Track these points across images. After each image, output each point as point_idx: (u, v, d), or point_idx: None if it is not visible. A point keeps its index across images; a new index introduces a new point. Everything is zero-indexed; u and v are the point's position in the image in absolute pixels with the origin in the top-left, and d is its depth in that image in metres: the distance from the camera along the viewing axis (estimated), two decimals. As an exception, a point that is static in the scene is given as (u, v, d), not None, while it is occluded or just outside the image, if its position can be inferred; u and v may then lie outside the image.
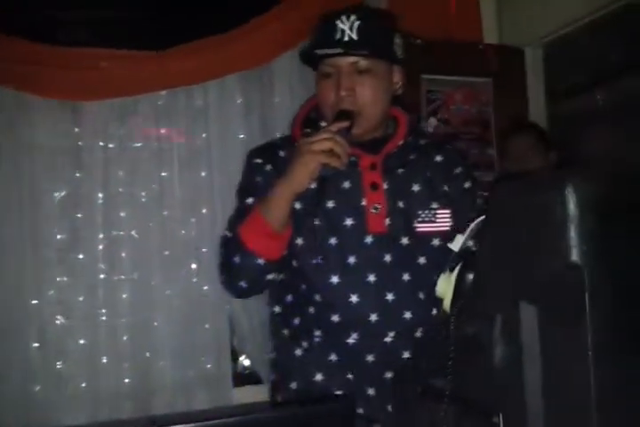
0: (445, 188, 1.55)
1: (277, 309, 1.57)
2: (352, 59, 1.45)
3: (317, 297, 1.46)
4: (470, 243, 0.90)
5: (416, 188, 1.52)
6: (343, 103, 1.45)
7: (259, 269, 1.43)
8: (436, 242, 1.50)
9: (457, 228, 1.51)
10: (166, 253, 2.24)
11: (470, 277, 0.86)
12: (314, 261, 1.46)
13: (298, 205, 1.46)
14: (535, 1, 2.73)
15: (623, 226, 0.70)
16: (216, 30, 2.22)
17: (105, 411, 2.14)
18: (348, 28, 1.44)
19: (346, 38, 1.44)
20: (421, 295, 1.48)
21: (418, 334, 1.46)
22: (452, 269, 0.92)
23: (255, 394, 2.22)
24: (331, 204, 1.47)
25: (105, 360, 2.15)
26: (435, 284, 1.49)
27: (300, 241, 1.48)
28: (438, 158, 1.57)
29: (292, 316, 1.52)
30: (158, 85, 2.21)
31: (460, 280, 0.89)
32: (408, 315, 1.46)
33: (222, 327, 2.30)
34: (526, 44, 2.88)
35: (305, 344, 1.49)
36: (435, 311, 1.50)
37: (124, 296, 2.20)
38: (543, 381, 0.72)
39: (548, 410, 0.71)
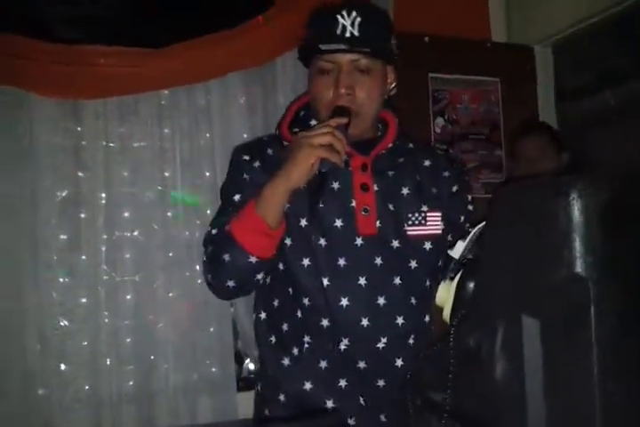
0: (434, 190, 1.51)
1: (263, 315, 1.50)
2: (353, 56, 1.41)
3: (306, 300, 1.41)
4: (471, 250, 0.87)
5: (405, 191, 1.48)
6: (341, 100, 1.40)
7: (250, 268, 1.37)
8: (427, 246, 1.47)
9: (447, 231, 1.49)
10: (170, 254, 2.22)
11: (471, 285, 0.83)
12: (303, 263, 1.41)
13: (287, 204, 1.40)
14: (544, -1, 2.70)
15: (631, 236, 0.66)
16: (218, 27, 2.19)
17: (108, 413, 2.12)
18: (349, 24, 1.39)
19: (347, 34, 1.39)
20: (413, 300, 1.44)
21: (410, 340, 1.43)
22: (452, 278, 0.89)
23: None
24: (320, 203, 1.42)
25: (108, 362, 2.13)
26: (426, 288, 1.48)
27: (288, 241, 1.43)
28: (427, 163, 1.54)
29: (279, 321, 1.46)
30: (159, 84, 2.18)
31: (460, 289, 0.85)
32: (400, 320, 1.42)
33: (226, 330, 2.27)
34: (535, 43, 2.84)
35: (294, 351, 1.43)
36: (427, 318, 1.48)
37: (127, 298, 2.18)
38: (546, 396, 0.69)
39: (551, 428, 0.68)
